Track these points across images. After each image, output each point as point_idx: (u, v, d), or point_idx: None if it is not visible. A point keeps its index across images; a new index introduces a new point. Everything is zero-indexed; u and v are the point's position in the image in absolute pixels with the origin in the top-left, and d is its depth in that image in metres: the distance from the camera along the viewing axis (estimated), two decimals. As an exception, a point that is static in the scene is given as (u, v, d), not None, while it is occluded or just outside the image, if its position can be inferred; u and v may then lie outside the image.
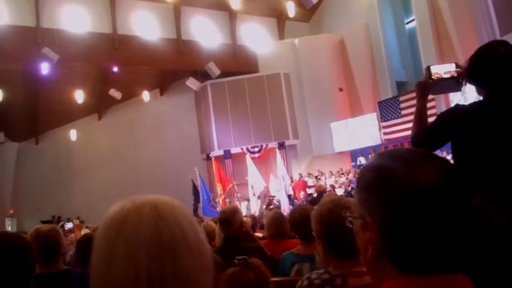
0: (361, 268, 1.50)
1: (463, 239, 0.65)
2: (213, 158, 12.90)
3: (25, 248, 1.19)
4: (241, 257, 1.63)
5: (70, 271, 2.52)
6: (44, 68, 13.53)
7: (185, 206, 0.74)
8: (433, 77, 2.08)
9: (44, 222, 14.11)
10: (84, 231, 5.05)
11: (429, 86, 2.10)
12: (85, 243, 3.13)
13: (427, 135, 1.97)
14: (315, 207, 1.75)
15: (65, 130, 17.93)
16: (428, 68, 2.12)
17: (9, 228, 16.28)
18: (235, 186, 14.50)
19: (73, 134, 17.39)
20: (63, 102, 16.06)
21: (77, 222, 8.96)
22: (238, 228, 3.00)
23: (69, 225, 8.82)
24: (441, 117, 1.95)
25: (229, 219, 2.94)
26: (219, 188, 12.58)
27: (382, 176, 0.69)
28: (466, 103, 2.00)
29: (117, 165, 17.78)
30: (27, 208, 17.82)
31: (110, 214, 0.69)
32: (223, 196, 12.38)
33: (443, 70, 2.09)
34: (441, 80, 2.08)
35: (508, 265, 1.60)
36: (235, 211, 3.03)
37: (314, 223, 1.67)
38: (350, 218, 0.77)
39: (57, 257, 2.39)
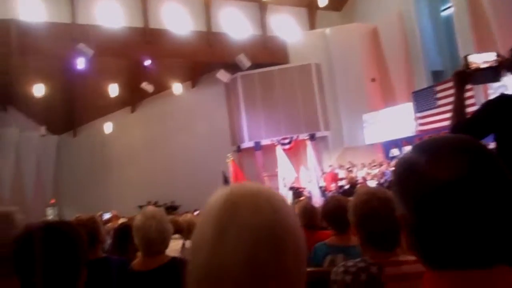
0: (398, 257, 1.52)
1: (496, 232, 0.62)
2: (231, 159, 12.80)
3: (77, 238, 1.22)
4: None
5: (109, 258, 2.61)
6: (80, 63, 13.95)
7: None
8: (470, 66, 2.00)
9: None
10: (122, 220, 5.18)
11: (467, 76, 2.02)
12: (123, 231, 3.22)
13: (468, 126, 1.89)
14: (353, 198, 1.74)
15: (100, 123, 18.46)
16: (466, 57, 2.04)
17: (50, 217, 17.02)
18: (266, 178, 14.54)
19: (107, 127, 17.88)
20: (98, 96, 16.54)
21: (115, 212, 9.24)
22: None
23: (107, 215, 9.12)
24: (485, 106, 1.86)
25: None
26: None
27: (407, 170, 0.68)
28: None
29: (149, 158, 18.17)
30: (67, 198, 18.56)
31: (222, 195, 0.67)
32: None
33: (482, 59, 2.01)
34: (479, 70, 2.01)
35: None
36: None
37: (350, 213, 1.68)
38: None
39: (96, 245, 2.48)
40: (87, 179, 18.33)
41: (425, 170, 0.64)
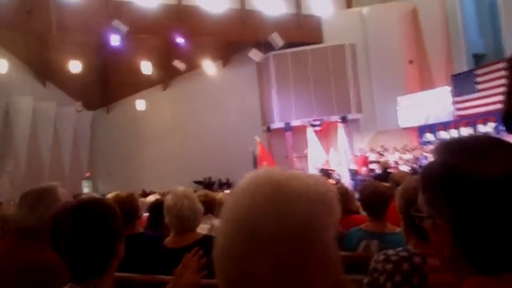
0: None
1: None
2: (258, 140, 12.74)
3: (111, 215, 1.25)
4: None
5: (146, 233, 2.68)
6: (114, 40, 14.15)
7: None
8: None
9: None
10: (155, 196, 5.29)
11: None
12: (157, 207, 3.30)
13: None
14: (402, 183, 1.67)
15: (132, 100, 18.82)
16: None
17: (85, 189, 17.73)
18: (295, 159, 14.49)
19: (139, 104, 18.21)
20: (131, 73, 16.82)
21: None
22: None
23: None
24: None
25: None
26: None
27: (447, 174, 0.63)
28: None
29: (180, 135, 18.44)
30: (101, 171, 19.21)
31: (244, 184, 0.66)
32: None
33: None
34: None
35: None
36: None
37: (398, 199, 1.63)
38: (418, 217, 0.72)
39: (134, 220, 2.54)
40: (119, 155, 18.86)
41: (471, 168, 0.61)
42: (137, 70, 16.31)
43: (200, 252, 1.71)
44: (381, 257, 1.56)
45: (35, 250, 1.56)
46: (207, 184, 16.29)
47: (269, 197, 0.61)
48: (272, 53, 16.29)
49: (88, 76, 16.00)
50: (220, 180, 16.45)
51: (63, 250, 1.17)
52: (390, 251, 1.58)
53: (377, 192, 2.83)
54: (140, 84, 18.34)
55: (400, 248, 1.57)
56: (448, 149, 0.66)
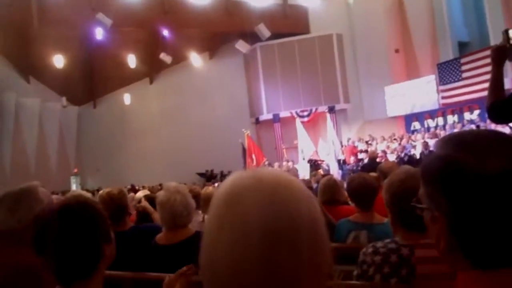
0: (429, 240, 1.46)
1: None
2: (246, 133, 12.72)
3: (97, 216, 1.22)
4: None
5: (138, 227, 2.72)
6: (99, 33, 13.93)
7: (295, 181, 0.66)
8: (511, 41, 1.89)
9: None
10: (143, 192, 5.25)
11: (506, 51, 1.90)
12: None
13: (506, 105, 1.79)
14: (389, 176, 1.68)
15: (119, 94, 18.61)
16: (506, 31, 1.93)
17: (73, 186, 17.55)
18: (284, 151, 14.53)
19: (127, 98, 18.02)
20: (117, 67, 16.60)
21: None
22: None
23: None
24: None
25: None
26: (251, 163, 12.42)
27: (449, 168, 0.63)
28: None
29: (168, 129, 18.33)
30: (89, 168, 19.01)
31: (229, 183, 0.65)
32: None
33: None
34: None
35: None
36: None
37: (385, 192, 1.63)
38: (418, 208, 0.73)
39: (125, 216, 2.54)
40: (108, 150, 18.67)
41: (471, 166, 0.60)
42: (123, 64, 16.10)
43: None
44: (370, 250, 1.58)
45: (17, 253, 1.50)
46: (209, 177, 16.25)
47: (271, 199, 0.61)
48: (259, 44, 16.22)
49: (72, 70, 15.74)
50: (222, 172, 16.35)
51: (48, 254, 1.14)
52: (379, 243, 1.59)
53: (364, 183, 2.84)
54: (126, 78, 18.12)
55: (388, 240, 1.58)
56: (450, 143, 0.66)
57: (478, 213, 0.60)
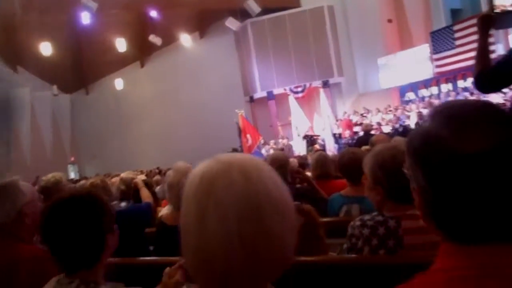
0: (415, 211, 1.49)
1: None
2: (239, 114, 12.66)
3: (101, 208, 1.27)
4: (296, 203, 1.66)
5: (121, 212, 2.73)
6: (85, 18, 13.67)
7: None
8: (496, 9, 1.84)
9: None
10: (141, 177, 5.27)
11: (492, 20, 1.87)
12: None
13: (493, 74, 1.77)
14: (374, 153, 1.67)
15: (111, 79, 18.45)
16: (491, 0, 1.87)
17: (71, 174, 17.58)
18: (280, 128, 14.51)
19: (118, 83, 17.86)
20: (106, 52, 16.37)
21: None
22: (287, 172, 3.08)
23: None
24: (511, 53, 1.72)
25: (281, 165, 2.97)
26: (246, 143, 12.41)
27: (427, 143, 0.64)
28: None
29: (162, 112, 18.25)
30: (86, 155, 19.02)
31: (198, 173, 0.68)
32: (248, 152, 12.21)
33: (509, 1, 1.83)
34: (506, 13, 1.88)
35: None
36: (286, 157, 3.07)
37: (377, 169, 1.62)
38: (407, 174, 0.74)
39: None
40: (103, 136, 18.65)
41: (449, 141, 0.60)
42: (112, 48, 15.88)
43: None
44: (358, 223, 1.60)
45: (12, 247, 1.56)
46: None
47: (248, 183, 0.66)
48: (249, 20, 15.97)
49: (61, 58, 15.52)
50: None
51: (54, 244, 1.21)
52: (366, 216, 1.61)
53: (354, 158, 2.88)
54: (117, 63, 17.92)
55: (375, 213, 1.61)
56: (435, 116, 0.65)
57: (451, 191, 0.60)
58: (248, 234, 0.63)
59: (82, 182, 5.27)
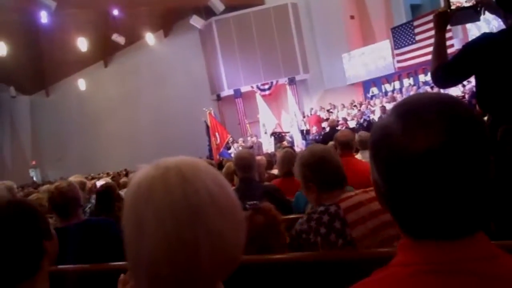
0: (349, 193, 1.72)
1: (470, 204, 0.59)
2: (208, 112, 12.63)
3: (34, 215, 1.20)
4: (252, 202, 1.74)
5: (90, 220, 2.66)
6: (43, 17, 13.17)
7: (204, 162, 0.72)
8: (452, 6, 1.93)
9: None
10: (105, 179, 5.15)
11: (448, 16, 1.95)
12: (105, 193, 3.25)
13: (449, 69, 1.85)
14: (298, 158, 1.90)
15: (73, 80, 17.90)
16: None
17: (34, 179, 16.93)
18: (248, 126, 14.53)
19: (81, 84, 17.35)
20: (67, 51, 15.85)
21: None
22: (254, 170, 3.05)
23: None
24: (468, 47, 1.80)
25: (248, 164, 2.95)
26: (214, 142, 12.41)
27: (382, 138, 0.63)
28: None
29: (128, 111, 17.89)
30: (49, 158, 18.37)
31: (136, 180, 0.67)
32: (218, 151, 12.21)
33: None
34: (461, 9, 1.96)
35: None
36: (253, 156, 3.05)
37: (304, 169, 1.84)
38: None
39: (77, 209, 2.48)
40: (68, 138, 18.08)
41: (400, 138, 0.60)
42: (74, 48, 15.39)
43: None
44: (304, 219, 1.71)
45: None
46: None
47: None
48: (214, 18, 15.87)
49: (18, 58, 14.90)
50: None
51: None
52: (310, 211, 1.74)
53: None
54: (79, 63, 17.41)
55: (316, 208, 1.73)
56: (394, 111, 0.65)
57: (400, 186, 0.60)
58: (188, 236, 0.62)
59: (45, 186, 5.09)
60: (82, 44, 15.22)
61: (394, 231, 1.52)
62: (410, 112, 0.62)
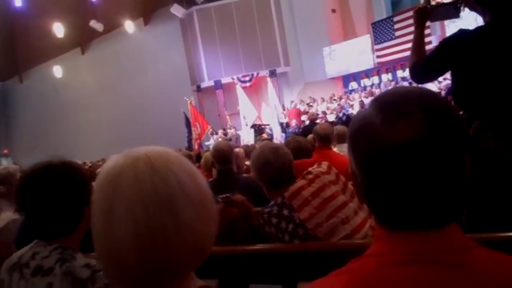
0: (294, 186, 1.76)
1: (444, 195, 0.60)
2: (189, 101, 12.52)
3: (80, 179, 1.28)
4: (225, 195, 1.78)
5: None
6: (17, 1, 12.73)
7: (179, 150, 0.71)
8: (432, 2, 1.95)
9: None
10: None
11: (428, 12, 1.98)
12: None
13: (426, 64, 1.88)
14: (251, 161, 1.97)
15: (49, 66, 17.41)
16: None
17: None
18: (228, 117, 14.47)
19: (57, 70, 16.90)
20: (43, 37, 15.40)
21: None
22: (232, 162, 3.04)
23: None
24: (444, 43, 1.83)
25: (226, 156, 2.94)
26: (194, 132, 12.35)
27: (361, 129, 0.64)
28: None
29: (107, 100, 17.55)
30: (22, 146, 17.88)
31: (104, 171, 0.67)
32: (198, 141, 12.19)
33: None
34: (441, 5, 1.98)
35: (503, 190, 1.60)
36: (231, 148, 3.04)
37: (253, 170, 1.94)
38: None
39: None
40: (44, 126, 17.63)
41: (379, 129, 0.60)
42: (50, 34, 14.94)
43: None
44: (265, 215, 1.78)
45: None
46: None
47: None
48: (195, 7, 15.67)
49: (-10, 42, 14.39)
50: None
51: (30, 211, 1.23)
52: (268, 209, 1.80)
53: (299, 146, 2.96)
54: (55, 49, 16.93)
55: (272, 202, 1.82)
56: (374, 103, 0.65)
57: (378, 177, 0.61)
58: (159, 229, 0.62)
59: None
60: (59, 29, 14.79)
61: (337, 203, 1.69)
62: (389, 103, 0.63)
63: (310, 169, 1.83)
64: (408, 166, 0.58)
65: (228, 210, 1.74)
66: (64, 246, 1.21)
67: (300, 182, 1.76)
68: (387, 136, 0.59)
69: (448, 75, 1.91)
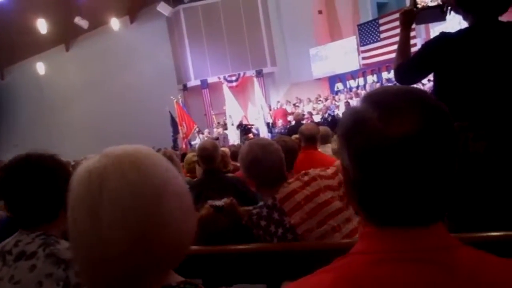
0: (287, 188, 1.74)
1: (435, 191, 0.61)
2: (175, 101, 12.48)
3: (60, 168, 1.31)
4: (214, 203, 1.73)
5: None
6: (0, -5, 12.48)
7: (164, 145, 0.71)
8: (418, 5, 1.98)
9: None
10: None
11: (414, 15, 2.00)
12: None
13: (410, 66, 1.90)
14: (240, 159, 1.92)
15: (31, 63, 17.09)
16: None
17: (-14, 166, 16.08)
18: (214, 117, 14.44)
19: (40, 67, 16.60)
20: (25, 33, 15.08)
21: None
22: (218, 162, 3.03)
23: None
24: (426, 46, 1.86)
25: (211, 155, 2.92)
26: (181, 131, 12.32)
27: (355, 124, 0.64)
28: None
29: (91, 98, 17.31)
30: (4, 144, 17.51)
31: (85, 171, 0.65)
32: (186, 140, 12.16)
33: None
34: (427, 8, 1.99)
35: (483, 192, 1.63)
36: (215, 147, 3.03)
37: (243, 167, 1.88)
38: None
39: None
40: (26, 123, 17.31)
41: (374, 125, 0.61)
42: (32, 30, 14.64)
43: None
44: (254, 217, 1.74)
45: None
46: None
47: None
48: (182, 6, 15.58)
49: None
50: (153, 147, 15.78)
51: (11, 198, 1.26)
52: (253, 210, 1.77)
53: (285, 146, 2.95)
54: (38, 45, 16.60)
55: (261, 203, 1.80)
56: (369, 99, 0.65)
57: (372, 171, 0.61)
58: (147, 223, 0.62)
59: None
60: (42, 25, 14.51)
61: (330, 210, 1.66)
62: (384, 99, 0.64)
63: (308, 170, 1.81)
64: (405, 160, 0.59)
65: (216, 218, 1.70)
66: (47, 234, 1.23)
67: (294, 184, 1.72)
68: (385, 131, 0.59)
69: (431, 77, 1.94)
